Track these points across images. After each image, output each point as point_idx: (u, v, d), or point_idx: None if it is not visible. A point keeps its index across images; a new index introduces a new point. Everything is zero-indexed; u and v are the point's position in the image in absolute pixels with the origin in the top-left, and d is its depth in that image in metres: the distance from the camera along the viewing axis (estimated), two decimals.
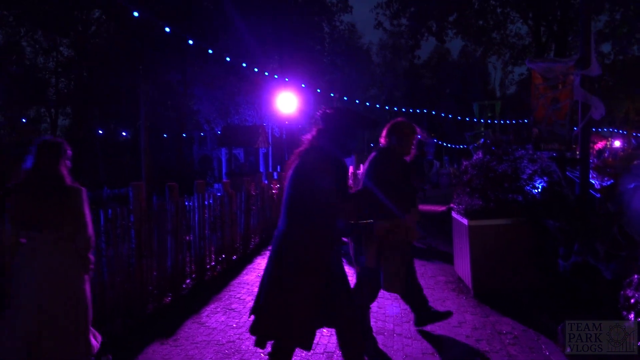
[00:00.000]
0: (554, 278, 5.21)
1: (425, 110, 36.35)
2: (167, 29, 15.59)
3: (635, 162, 6.15)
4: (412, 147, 4.21)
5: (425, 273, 6.73)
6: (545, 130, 6.66)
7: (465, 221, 5.84)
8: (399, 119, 4.37)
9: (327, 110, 3.15)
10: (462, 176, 6.41)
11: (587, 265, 4.77)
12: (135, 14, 14.54)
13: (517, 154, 6.38)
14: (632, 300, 3.14)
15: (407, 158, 4.25)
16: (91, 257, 3.40)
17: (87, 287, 3.38)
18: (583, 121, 6.34)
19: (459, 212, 6.21)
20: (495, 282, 5.65)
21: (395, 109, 31.43)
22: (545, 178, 6.17)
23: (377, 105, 37.69)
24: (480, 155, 6.54)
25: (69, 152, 3.46)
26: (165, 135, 37.53)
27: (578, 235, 4.91)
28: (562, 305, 4.90)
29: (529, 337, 4.30)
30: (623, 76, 27.66)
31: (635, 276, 3.33)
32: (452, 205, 6.65)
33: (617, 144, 35.70)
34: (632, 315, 3.12)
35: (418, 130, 4.26)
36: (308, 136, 3.16)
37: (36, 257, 3.20)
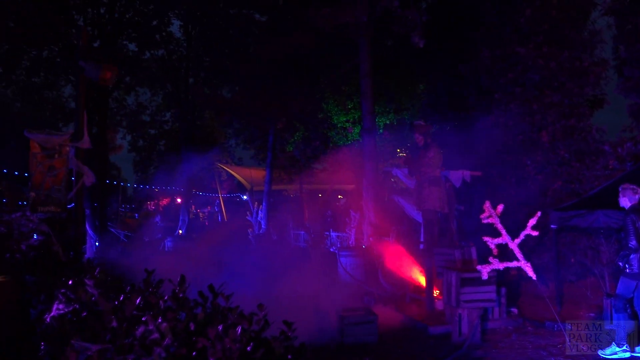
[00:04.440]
0: (31, 326, 5.90)
1: None
2: None
3: None
4: None
5: None
6: (43, 194, 7.44)
7: None
8: None
9: None
10: None
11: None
12: None
13: (13, 215, 6.93)
14: None
15: None
16: None
17: None
18: (76, 186, 7.45)
19: None
20: None
21: None
22: (38, 237, 6.90)
23: None
24: None
25: None
26: None
27: (46, 287, 5.75)
28: None
29: None
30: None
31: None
32: None
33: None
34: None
35: None
36: None
37: None
